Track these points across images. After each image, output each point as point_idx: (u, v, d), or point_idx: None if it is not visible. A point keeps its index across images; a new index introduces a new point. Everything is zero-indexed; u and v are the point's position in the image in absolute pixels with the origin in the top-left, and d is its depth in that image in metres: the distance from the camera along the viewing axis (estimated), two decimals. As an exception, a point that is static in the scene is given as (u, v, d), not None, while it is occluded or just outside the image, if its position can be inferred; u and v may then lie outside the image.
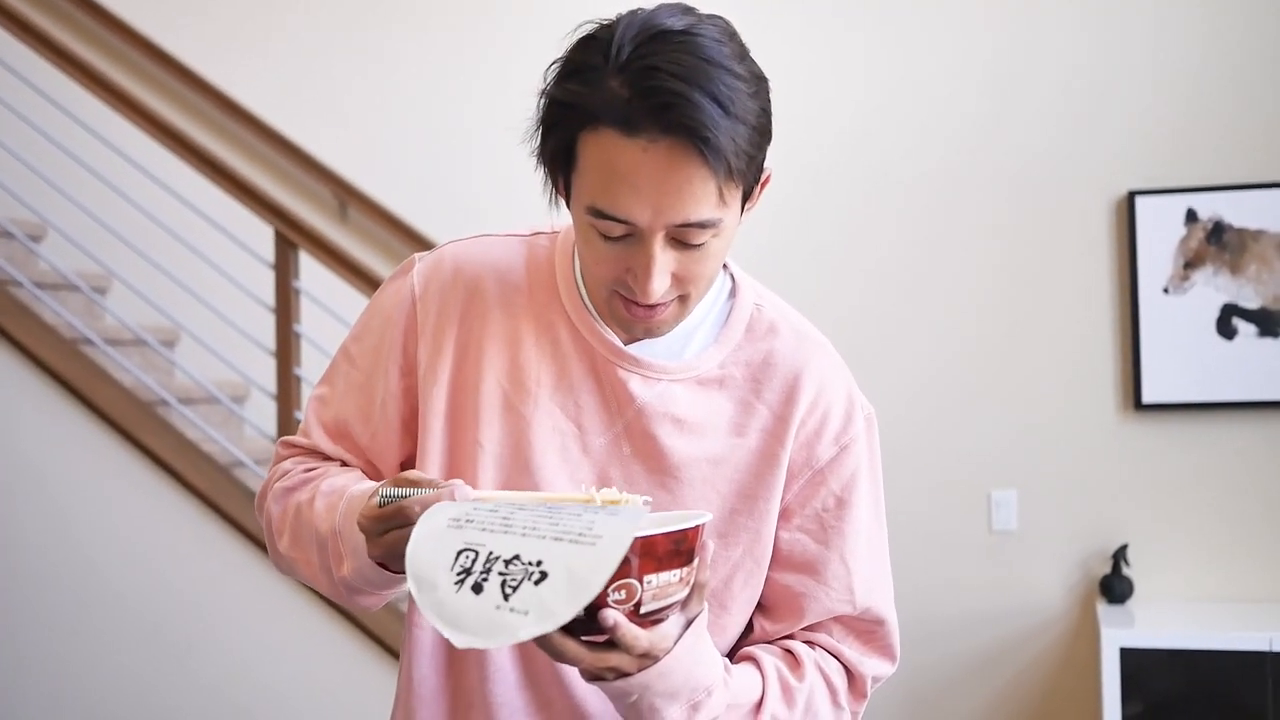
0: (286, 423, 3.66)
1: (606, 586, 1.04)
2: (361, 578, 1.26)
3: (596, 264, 1.23)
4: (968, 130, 3.89)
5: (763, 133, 1.19)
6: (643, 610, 1.08)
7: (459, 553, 1.05)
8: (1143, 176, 3.76)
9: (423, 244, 4.19)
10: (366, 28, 4.38)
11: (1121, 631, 3.31)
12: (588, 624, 1.07)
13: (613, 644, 1.09)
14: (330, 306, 3.86)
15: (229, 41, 4.47)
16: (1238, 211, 3.67)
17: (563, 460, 1.31)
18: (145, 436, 3.67)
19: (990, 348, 3.85)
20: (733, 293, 1.37)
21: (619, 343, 1.31)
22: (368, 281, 3.67)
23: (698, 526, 1.10)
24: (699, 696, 1.20)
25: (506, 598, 1.00)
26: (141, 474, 3.66)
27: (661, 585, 1.08)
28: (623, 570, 1.04)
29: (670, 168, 1.13)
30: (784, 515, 1.35)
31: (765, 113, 1.19)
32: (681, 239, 1.18)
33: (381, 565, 1.22)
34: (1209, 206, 3.68)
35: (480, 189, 4.23)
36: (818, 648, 1.37)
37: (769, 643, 1.37)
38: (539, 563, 1.02)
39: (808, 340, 1.37)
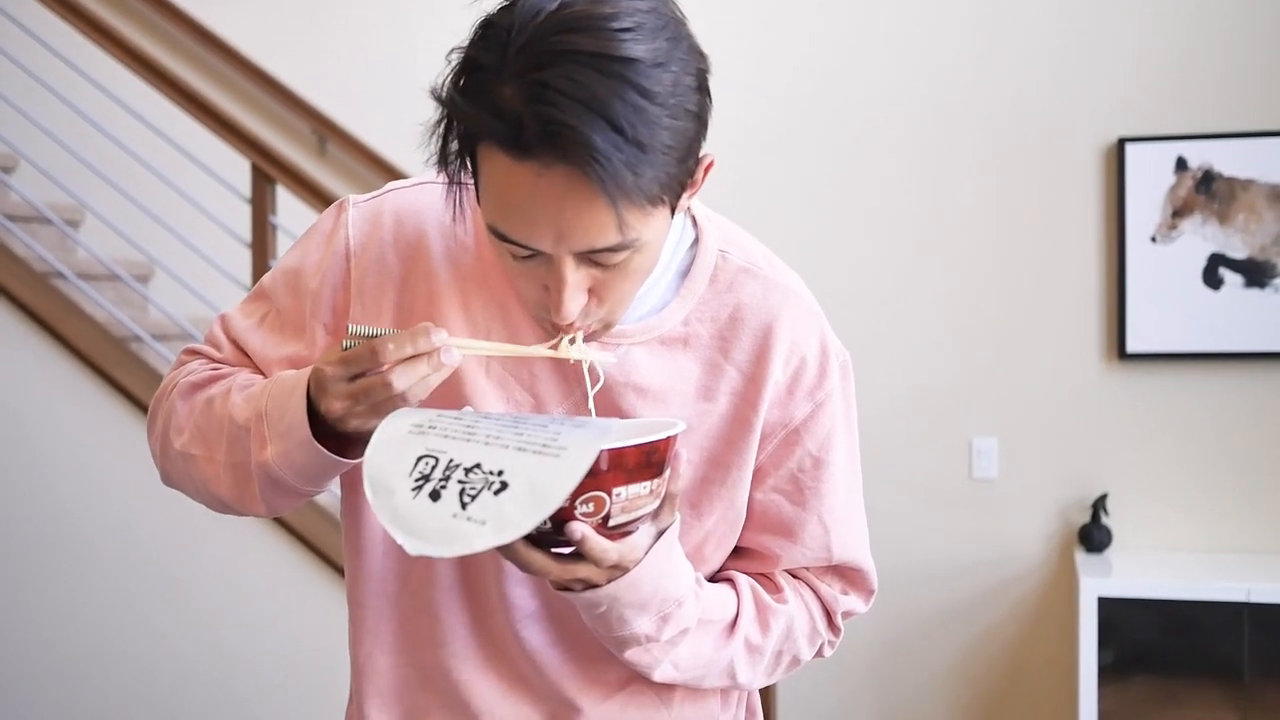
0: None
1: (574, 500, 1.02)
2: (288, 462, 1.16)
3: (515, 280, 1.13)
4: (956, 74, 3.84)
5: (686, 145, 1.05)
6: (611, 523, 1.06)
7: (419, 459, 1.02)
8: (1133, 123, 3.72)
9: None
10: (347, -42, 4.29)
11: (1099, 580, 3.31)
12: (555, 535, 1.05)
13: (581, 555, 1.08)
14: (307, 243, 3.80)
15: (206, -30, 4.38)
16: (1228, 160, 3.63)
17: None
18: (118, 372, 3.62)
19: (974, 294, 3.82)
20: (696, 240, 1.27)
21: None
22: (346, 218, 3.61)
23: (669, 438, 1.07)
24: (669, 608, 1.18)
25: (464, 506, 0.98)
26: (114, 410, 3.61)
27: (631, 498, 1.06)
28: (591, 483, 1.02)
29: (566, 197, 1.01)
30: (758, 475, 1.29)
31: (691, 113, 1.05)
32: (595, 260, 1.07)
33: (328, 447, 1.14)
34: (1199, 155, 3.65)
35: (461, 126, 4.17)
36: (795, 579, 1.35)
37: None
38: (500, 472, 0.99)
39: (777, 288, 1.26)
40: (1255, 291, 3.61)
